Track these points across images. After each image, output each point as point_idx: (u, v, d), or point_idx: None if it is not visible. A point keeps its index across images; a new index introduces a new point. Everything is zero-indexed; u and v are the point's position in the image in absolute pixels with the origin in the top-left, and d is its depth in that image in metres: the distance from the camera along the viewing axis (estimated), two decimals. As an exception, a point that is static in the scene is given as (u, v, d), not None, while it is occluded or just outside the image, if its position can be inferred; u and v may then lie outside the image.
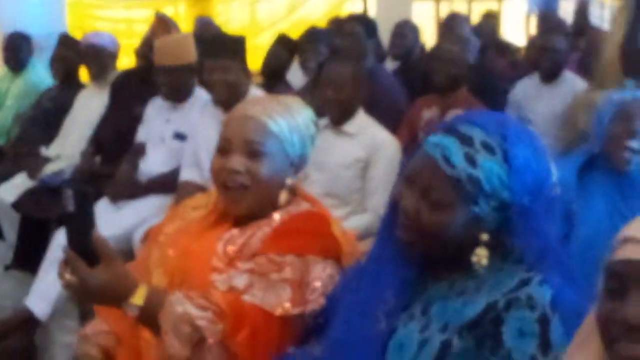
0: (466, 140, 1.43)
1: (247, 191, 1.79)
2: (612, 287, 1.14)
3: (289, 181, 1.85)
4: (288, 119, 1.83)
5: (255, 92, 3.73)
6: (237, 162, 1.78)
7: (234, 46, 3.69)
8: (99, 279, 1.56)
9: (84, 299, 1.65)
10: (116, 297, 1.59)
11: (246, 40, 3.82)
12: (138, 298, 1.59)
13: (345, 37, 4.65)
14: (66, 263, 1.56)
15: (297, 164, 1.88)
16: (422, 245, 1.47)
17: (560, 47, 4.50)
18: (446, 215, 1.42)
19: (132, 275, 1.63)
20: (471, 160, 1.41)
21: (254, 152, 1.79)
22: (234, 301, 1.64)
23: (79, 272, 1.55)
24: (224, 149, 1.82)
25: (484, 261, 1.44)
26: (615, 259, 1.15)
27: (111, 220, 3.67)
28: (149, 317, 1.60)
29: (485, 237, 1.44)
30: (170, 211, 2.02)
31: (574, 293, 1.39)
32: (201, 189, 3.40)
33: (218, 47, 3.70)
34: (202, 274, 1.74)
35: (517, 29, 9.09)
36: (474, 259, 1.44)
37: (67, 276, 1.56)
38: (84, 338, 1.89)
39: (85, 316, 3.45)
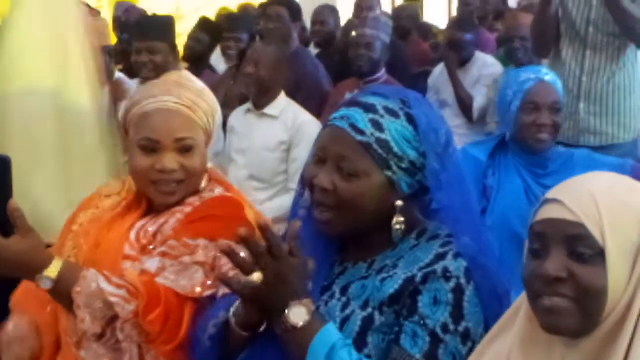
0: (369, 108, 1.47)
1: (180, 185, 1.78)
2: (535, 246, 1.20)
3: (210, 164, 1.86)
4: (202, 104, 1.82)
5: (188, 75, 3.71)
6: (171, 161, 1.75)
7: (162, 28, 3.69)
8: (13, 249, 1.54)
9: None
10: (30, 268, 1.58)
11: (174, 21, 3.83)
12: (52, 271, 1.58)
13: (270, 20, 4.66)
14: None
15: (209, 146, 1.89)
16: (342, 221, 1.47)
17: (467, 40, 4.60)
18: (362, 183, 1.45)
19: (46, 249, 1.62)
20: (377, 125, 1.45)
21: (187, 148, 1.77)
22: (148, 281, 1.64)
23: None
24: (150, 148, 1.76)
25: (403, 227, 1.48)
26: (536, 220, 1.21)
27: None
28: (62, 291, 1.59)
29: (400, 203, 1.47)
30: (84, 200, 1.98)
31: (488, 261, 1.45)
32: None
33: (146, 29, 3.71)
34: (114, 263, 1.73)
35: (440, 11, 9.21)
36: (395, 227, 1.48)
37: None
38: (7, 345, 1.84)
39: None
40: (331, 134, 1.49)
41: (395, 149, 1.45)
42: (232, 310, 1.50)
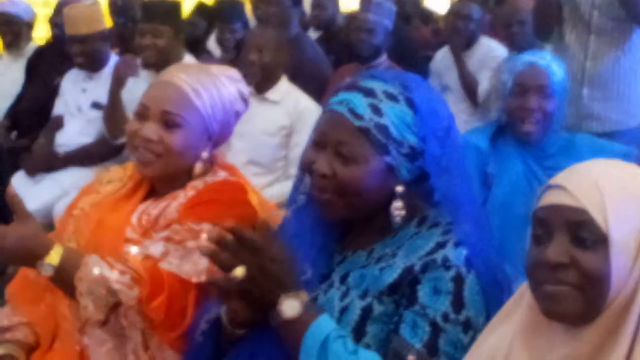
0: (369, 92, 1.45)
1: (158, 158, 1.77)
2: (538, 233, 1.19)
3: (204, 154, 1.82)
4: (213, 93, 1.79)
5: (190, 59, 3.72)
6: (152, 130, 1.75)
7: (168, 11, 3.66)
8: (12, 236, 1.53)
9: None
10: (30, 255, 1.56)
11: (181, 6, 3.79)
12: (53, 257, 1.56)
13: (270, 4, 4.64)
14: None
15: (217, 139, 1.85)
16: (342, 205, 1.46)
17: (475, 15, 4.56)
18: (361, 168, 1.43)
19: (46, 235, 1.61)
20: (376, 110, 1.43)
21: (170, 123, 1.76)
22: (152, 267, 1.63)
23: None
24: (141, 113, 1.78)
25: (402, 213, 1.46)
26: (539, 206, 1.20)
27: (30, 194, 3.59)
28: (64, 277, 1.58)
29: (400, 188, 1.45)
30: (85, 186, 1.98)
31: (488, 249, 1.43)
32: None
33: (151, 11, 3.68)
34: (116, 245, 1.72)
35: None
36: (394, 212, 1.46)
37: None
38: (1, 333, 1.83)
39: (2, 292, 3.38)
40: (330, 119, 1.47)
41: (395, 134, 1.43)
42: (223, 307, 1.49)
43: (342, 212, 1.48)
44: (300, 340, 1.36)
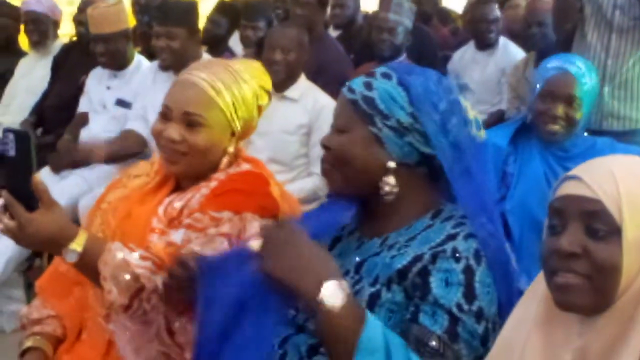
0: (370, 74, 1.55)
1: (183, 157, 1.80)
2: (553, 223, 1.20)
3: (230, 149, 1.85)
4: (235, 90, 1.80)
5: (208, 58, 3.72)
6: (175, 131, 1.77)
7: (181, 13, 3.67)
8: (37, 223, 1.55)
9: (22, 244, 1.63)
10: (55, 242, 1.59)
11: (196, 6, 3.80)
12: (77, 244, 1.59)
13: (298, 5, 4.66)
14: (5, 207, 1.55)
15: (241, 134, 1.87)
16: (339, 177, 1.53)
17: (493, 16, 4.56)
18: (347, 136, 1.51)
19: (71, 222, 1.63)
20: (368, 85, 1.51)
21: (192, 123, 1.77)
22: (174, 253, 1.65)
23: (17, 216, 1.54)
24: (164, 115, 1.81)
25: (394, 190, 1.49)
26: (555, 196, 1.22)
27: (55, 190, 3.60)
28: (88, 263, 1.60)
29: (392, 164, 1.49)
30: (113, 181, 2.01)
31: (500, 243, 1.46)
32: (141, 141, 3.56)
33: (164, 14, 3.70)
34: (141, 236, 1.75)
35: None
36: (384, 187, 1.49)
37: (6, 220, 1.55)
38: (30, 326, 1.87)
39: (30, 285, 3.43)
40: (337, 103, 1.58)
41: (381, 107, 1.49)
42: None
43: (341, 185, 1.54)
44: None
